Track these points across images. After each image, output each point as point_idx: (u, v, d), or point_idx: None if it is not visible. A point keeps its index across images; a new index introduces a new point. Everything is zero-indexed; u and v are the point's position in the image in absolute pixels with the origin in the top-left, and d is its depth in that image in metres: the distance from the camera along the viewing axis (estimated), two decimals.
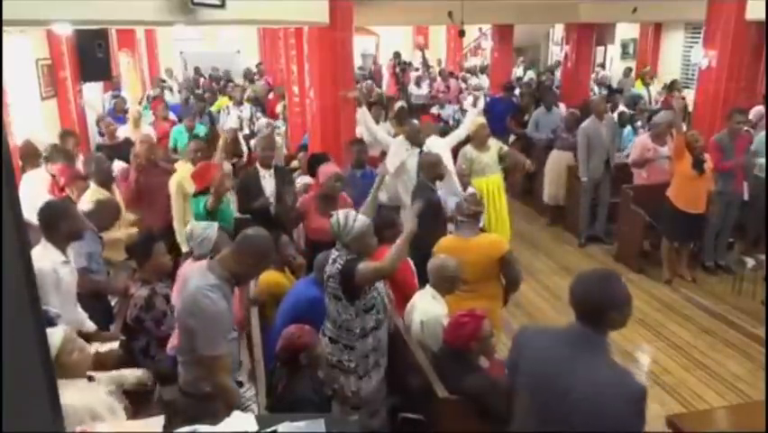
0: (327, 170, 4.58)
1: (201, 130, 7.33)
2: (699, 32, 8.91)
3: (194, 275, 2.71)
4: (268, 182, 5.14)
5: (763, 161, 6.08)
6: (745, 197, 5.88)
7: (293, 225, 4.80)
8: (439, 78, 12.82)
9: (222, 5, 4.24)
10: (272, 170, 5.18)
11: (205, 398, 2.67)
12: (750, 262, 5.52)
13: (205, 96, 9.75)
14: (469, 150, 5.90)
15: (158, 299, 3.42)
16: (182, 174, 5.00)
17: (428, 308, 3.46)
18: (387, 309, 3.19)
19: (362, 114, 5.97)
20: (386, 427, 3.26)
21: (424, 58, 14.94)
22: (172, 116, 8.54)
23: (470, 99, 10.01)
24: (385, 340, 3.22)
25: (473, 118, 5.99)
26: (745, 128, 5.96)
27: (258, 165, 5.08)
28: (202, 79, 13.47)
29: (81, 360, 2.51)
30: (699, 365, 4.64)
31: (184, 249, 4.80)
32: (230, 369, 2.63)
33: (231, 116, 8.31)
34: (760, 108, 7.96)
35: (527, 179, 8.37)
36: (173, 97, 11.39)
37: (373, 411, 3.20)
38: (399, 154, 5.50)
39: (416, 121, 6.39)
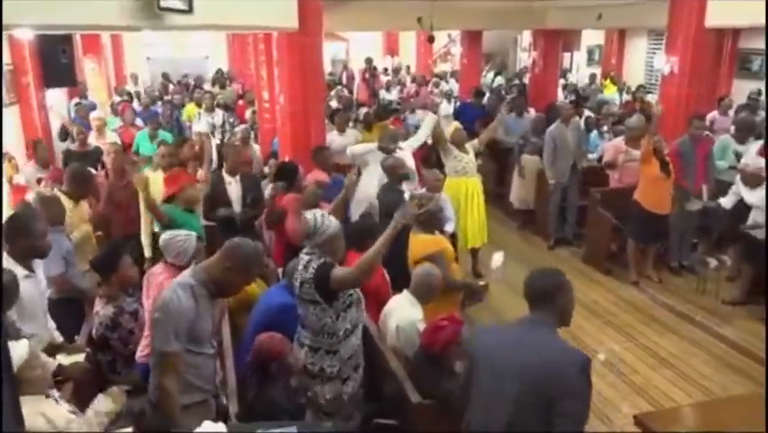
0: (314, 176, 4.58)
1: (165, 136, 7.22)
2: (662, 39, 9.15)
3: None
4: (233, 189, 5.10)
5: (721, 164, 6.24)
6: (704, 198, 6.04)
7: (275, 224, 4.73)
8: (409, 83, 12.86)
9: (189, 11, 4.19)
10: (238, 177, 5.13)
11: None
12: (713, 262, 5.66)
13: (173, 102, 9.61)
14: (453, 147, 5.95)
15: (123, 317, 3.34)
16: (151, 181, 4.92)
17: (404, 314, 3.46)
18: (362, 304, 3.17)
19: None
20: (365, 425, 3.25)
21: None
22: (139, 122, 8.41)
23: (443, 105, 10.08)
24: (361, 340, 3.22)
25: (429, 122, 6.02)
26: (706, 133, 6.12)
27: (224, 172, 5.02)
28: (171, 86, 13.28)
29: (43, 377, 2.44)
30: (666, 364, 4.73)
31: (147, 254, 4.76)
32: (178, 371, 2.54)
33: (201, 122, 8.21)
34: (714, 114, 8.21)
35: (498, 183, 8.47)
36: (138, 104, 11.20)
37: (350, 415, 3.19)
38: (375, 170, 5.51)
39: (392, 126, 6.43)
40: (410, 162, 5.54)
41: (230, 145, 5.74)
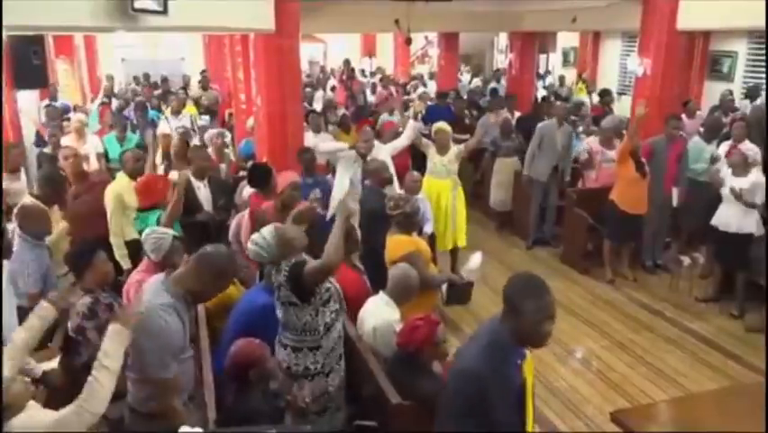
0: (286, 177, 4.54)
1: (133, 140, 7.11)
2: (635, 41, 9.29)
3: (148, 291, 2.64)
4: (203, 193, 5.04)
5: (697, 166, 6.35)
6: (674, 203, 6.15)
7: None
8: (380, 89, 12.83)
9: (164, 12, 4.16)
10: (206, 181, 5.07)
11: (156, 416, 2.59)
12: (686, 260, 5.77)
13: (144, 104, 9.47)
14: (432, 147, 6.00)
15: (100, 307, 3.30)
16: (120, 186, 4.83)
17: (381, 315, 3.46)
18: (342, 299, 3.16)
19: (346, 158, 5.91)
20: (345, 427, 3.24)
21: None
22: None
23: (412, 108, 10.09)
24: (342, 331, 3.21)
25: (412, 127, 6.06)
26: (681, 133, 6.23)
27: (191, 176, 4.95)
28: (144, 88, 13.09)
29: (22, 390, 2.36)
30: (642, 361, 4.81)
31: (124, 266, 4.66)
32: (179, 390, 2.56)
33: (170, 124, 8.12)
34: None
35: (476, 185, 8.52)
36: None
37: (337, 408, 3.19)
38: (348, 170, 5.48)
39: (368, 128, 6.44)
40: (388, 164, 5.54)
41: (195, 149, 5.62)
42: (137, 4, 4.03)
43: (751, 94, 9.45)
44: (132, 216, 4.68)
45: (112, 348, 2.37)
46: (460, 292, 4.46)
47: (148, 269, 3.42)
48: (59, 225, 4.42)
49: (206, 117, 8.95)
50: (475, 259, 4.31)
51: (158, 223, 4.14)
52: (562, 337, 5.13)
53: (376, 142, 5.82)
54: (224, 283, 2.74)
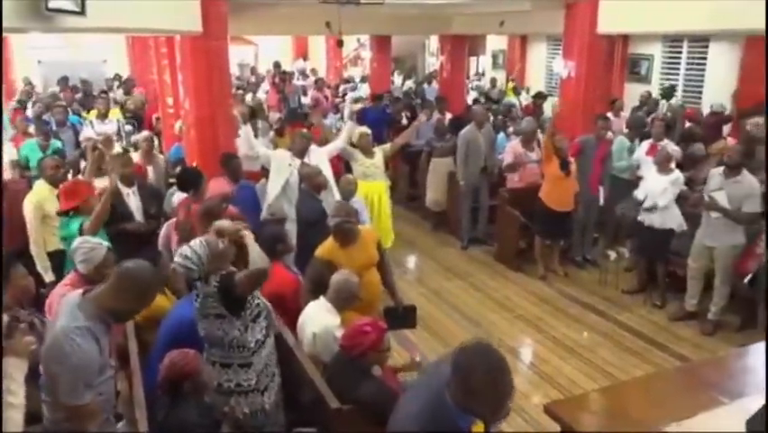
0: (217, 186, 4.42)
1: (57, 145, 6.78)
2: (560, 45, 9.64)
3: (62, 312, 2.48)
4: (132, 200, 4.84)
5: (622, 164, 6.63)
6: (601, 201, 6.40)
7: (186, 240, 4.57)
8: (312, 90, 12.75)
9: (81, 12, 3.95)
10: (135, 187, 4.89)
11: None
12: (612, 254, 6.03)
13: (66, 108, 9.01)
14: (357, 151, 6.11)
15: (17, 330, 3.10)
16: (39, 194, 4.61)
17: (321, 321, 3.43)
18: (272, 315, 3.11)
19: (245, 131, 5.85)
20: None
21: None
22: (33, 131, 7.84)
23: (348, 109, 10.10)
24: (274, 349, 3.15)
25: (350, 129, 6.12)
26: (608, 133, 6.49)
27: (118, 183, 4.74)
28: (64, 92, 12.45)
29: None
30: (574, 354, 4.97)
31: (47, 278, 4.44)
32: (95, 417, 2.41)
33: (93, 130, 7.78)
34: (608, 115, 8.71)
35: (411, 186, 8.59)
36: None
37: (274, 424, 3.11)
38: (282, 170, 5.44)
39: (305, 130, 6.41)
40: (325, 167, 5.47)
41: (115, 156, 5.35)
42: (51, 4, 3.81)
43: (665, 94, 9.99)
44: (54, 225, 4.44)
45: (13, 384, 2.22)
46: (401, 319, 4.37)
47: (74, 282, 3.24)
48: None
49: (132, 123, 8.64)
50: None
51: (80, 231, 3.95)
52: (497, 333, 5.24)
53: (312, 146, 5.77)
54: (147, 302, 2.62)
